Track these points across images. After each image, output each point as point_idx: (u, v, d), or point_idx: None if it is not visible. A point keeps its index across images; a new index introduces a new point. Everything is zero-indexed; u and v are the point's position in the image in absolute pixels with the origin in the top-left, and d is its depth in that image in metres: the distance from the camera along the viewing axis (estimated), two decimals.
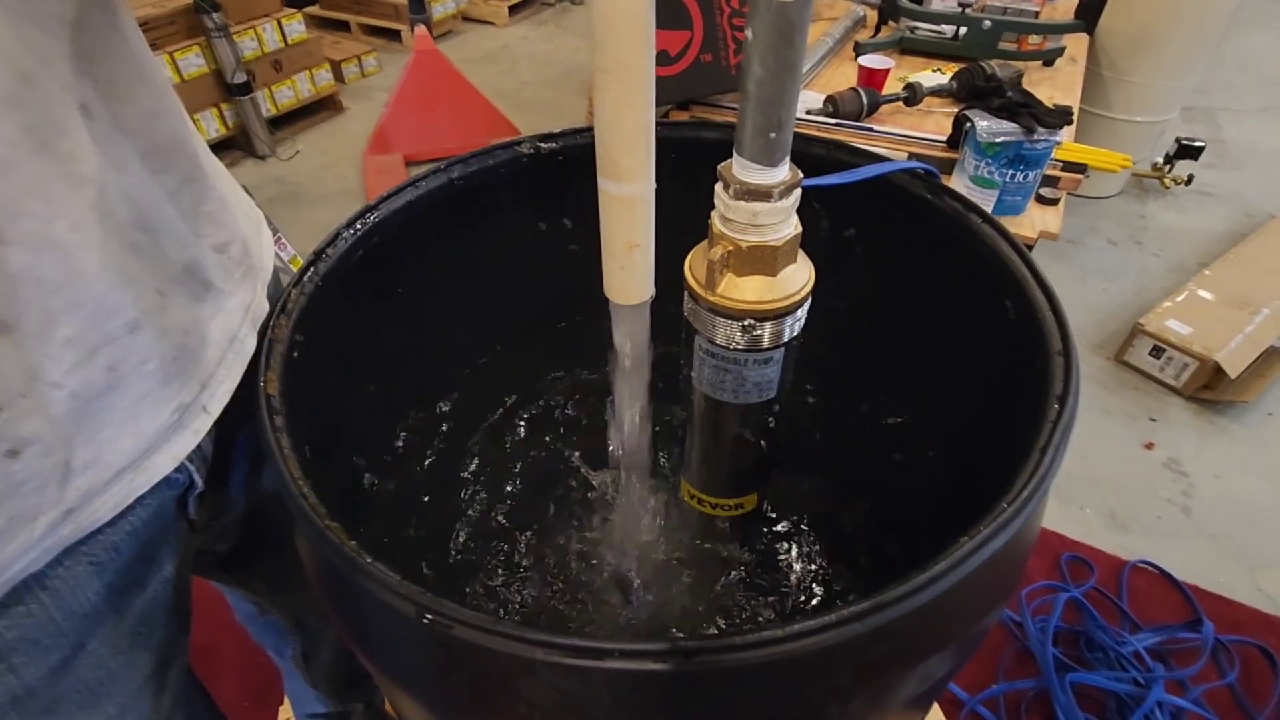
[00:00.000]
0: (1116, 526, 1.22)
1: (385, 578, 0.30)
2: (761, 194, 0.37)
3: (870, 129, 1.28)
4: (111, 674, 0.35)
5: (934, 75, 1.43)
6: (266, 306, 0.42)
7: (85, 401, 0.29)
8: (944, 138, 1.22)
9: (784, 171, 0.38)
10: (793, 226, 0.40)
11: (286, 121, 2.36)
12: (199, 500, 0.39)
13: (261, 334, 0.40)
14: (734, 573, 0.61)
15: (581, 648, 0.28)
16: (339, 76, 2.60)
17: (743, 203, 0.38)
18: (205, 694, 0.48)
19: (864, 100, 1.28)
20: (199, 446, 0.36)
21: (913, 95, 1.32)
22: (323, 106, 2.46)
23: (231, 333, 0.38)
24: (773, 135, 0.36)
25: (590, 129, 0.63)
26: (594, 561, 0.64)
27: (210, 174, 0.37)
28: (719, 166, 0.39)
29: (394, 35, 2.98)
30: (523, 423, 0.71)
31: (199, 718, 0.45)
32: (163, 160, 0.33)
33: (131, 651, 0.36)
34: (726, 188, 0.38)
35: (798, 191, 0.39)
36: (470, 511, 0.68)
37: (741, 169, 0.37)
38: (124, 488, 0.32)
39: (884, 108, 1.32)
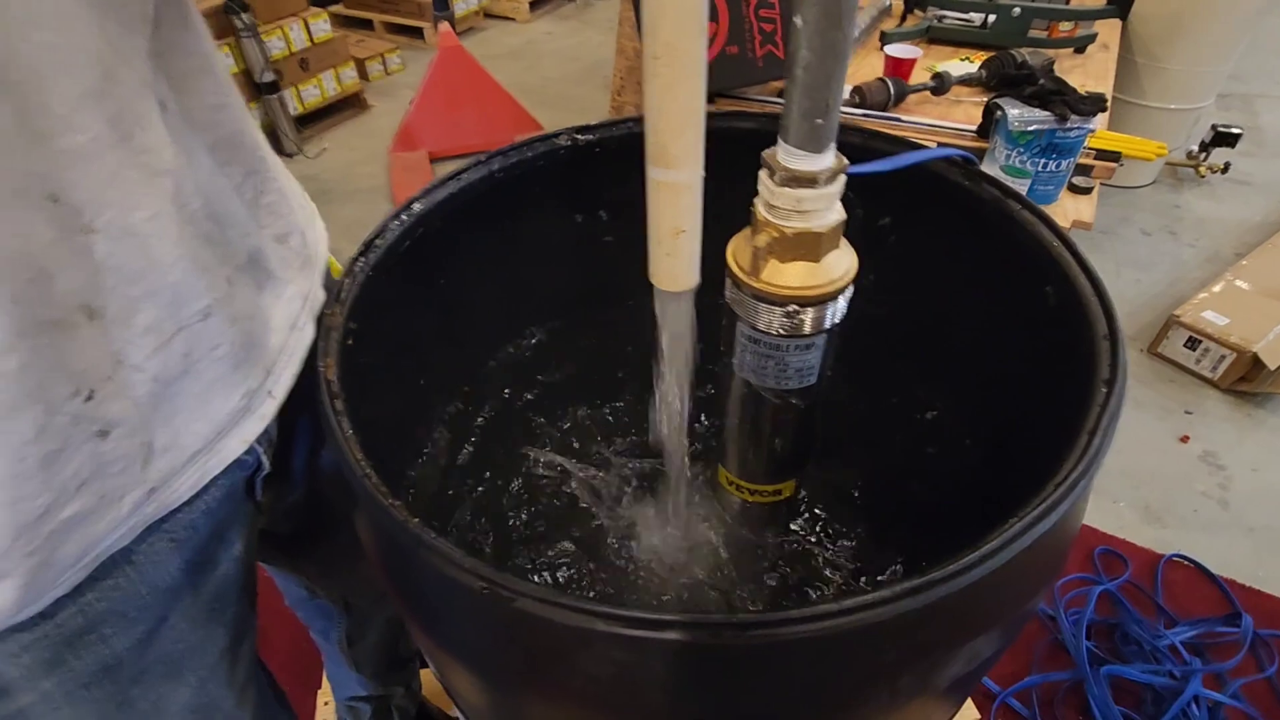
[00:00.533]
0: (1151, 520, 1.21)
1: (449, 552, 0.31)
2: (807, 180, 0.38)
3: (898, 119, 1.27)
4: (191, 647, 0.36)
5: (962, 64, 1.42)
6: (323, 295, 0.43)
7: (164, 385, 0.31)
8: (973, 127, 1.21)
9: (829, 158, 0.38)
10: (837, 212, 0.40)
11: (313, 120, 2.40)
12: (265, 482, 0.40)
13: (319, 321, 0.42)
14: (770, 558, 0.61)
15: (641, 619, 0.28)
16: (363, 75, 2.64)
17: (788, 189, 0.38)
18: (269, 673, 0.49)
19: (891, 90, 1.27)
20: (265, 430, 0.37)
21: (941, 84, 1.31)
22: (348, 105, 2.50)
23: (292, 320, 0.39)
24: (819, 121, 0.36)
25: (626, 120, 0.64)
26: (631, 546, 0.65)
27: (271, 166, 0.38)
28: (764, 153, 0.40)
29: (417, 33, 3.01)
30: (559, 410, 0.72)
31: (265, 694, 0.47)
32: (228, 153, 0.35)
33: (208, 626, 0.38)
34: (771, 174, 0.39)
35: (842, 177, 0.39)
36: (505, 495, 0.69)
37: (787, 155, 0.38)
38: (199, 469, 0.33)
39: (911, 97, 1.31)
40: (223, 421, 0.34)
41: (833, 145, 0.38)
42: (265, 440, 0.39)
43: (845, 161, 0.39)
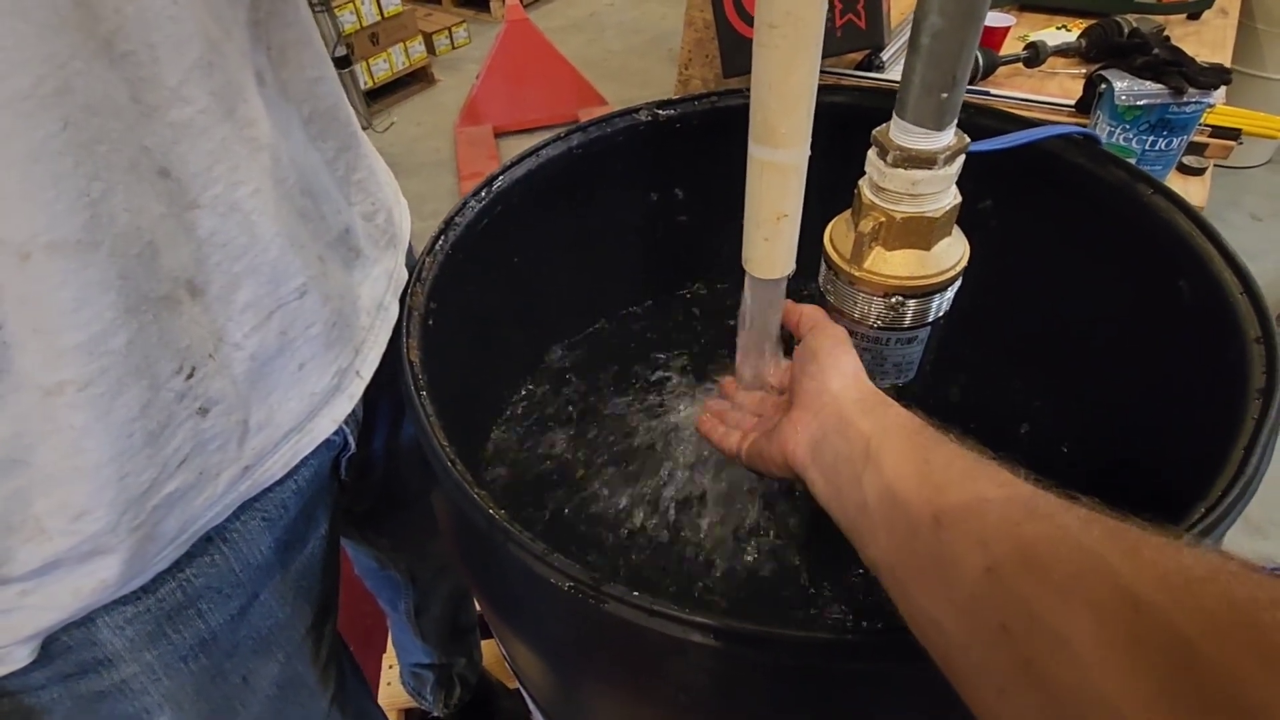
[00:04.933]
0: (1252, 530, 1.12)
1: (536, 549, 0.30)
2: (924, 160, 0.35)
3: (986, 93, 1.19)
4: (280, 624, 0.37)
5: (1059, 33, 1.32)
6: (405, 275, 0.43)
7: (261, 364, 0.31)
8: (1071, 101, 1.12)
9: (950, 135, 0.35)
10: (952, 196, 0.37)
11: (381, 94, 2.43)
12: (350, 461, 0.40)
13: (401, 301, 0.41)
14: (856, 567, 0.59)
15: (740, 632, 0.27)
16: (431, 49, 2.65)
17: (901, 170, 0.35)
18: (349, 650, 0.50)
19: (980, 61, 1.19)
20: (353, 410, 0.37)
21: (1035, 55, 1.22)
22: (415, 79, 2.51)
23: (378, 299, 0.39)
24: (944, 95, 0.33)
25: (710, 95, 0.61)
26: (688, 532, 0.63)
27: (362, 142, 0.38)
28: (874, 131, 0.37)
29: (483, 5, 3.00)
30: (628, 393, 0.71)
31: (345, 671, 0.48)
32: (322, 127, 0.34)
33: (296, 603, 0.38)
34: (883, 154, 0.36)
35: (961, 158, 0.36)
36: (572, 475, 0.69)
37: (902, 133, 0.35)
38: (292, 448, 0.33)
39: (1001, 69, 1.22)
40: (315, 400, 0.34)
41: (954, 122, 0.35)
42: (352, 420, 0.39)
43: (966, 140, 0.36)
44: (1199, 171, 1.05)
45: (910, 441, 0.28)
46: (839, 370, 0.34)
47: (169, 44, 0.24)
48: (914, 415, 0.30)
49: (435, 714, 0.90)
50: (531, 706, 0.56)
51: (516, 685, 0.99)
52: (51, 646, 0.30)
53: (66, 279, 0.23)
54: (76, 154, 0.22)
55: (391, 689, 0.94)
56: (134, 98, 0.23)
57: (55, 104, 0.21)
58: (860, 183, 0.39)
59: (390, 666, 0.99)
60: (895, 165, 0.35)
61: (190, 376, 0.27)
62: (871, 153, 0.37)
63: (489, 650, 0.96)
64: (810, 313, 0.39)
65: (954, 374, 0.63)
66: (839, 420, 0.31)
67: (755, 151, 0.34)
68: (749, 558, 0.56)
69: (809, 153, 0.35)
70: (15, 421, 0.24)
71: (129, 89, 0.23)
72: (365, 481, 0.46)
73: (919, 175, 0.35)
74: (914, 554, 0.24)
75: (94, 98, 0.22)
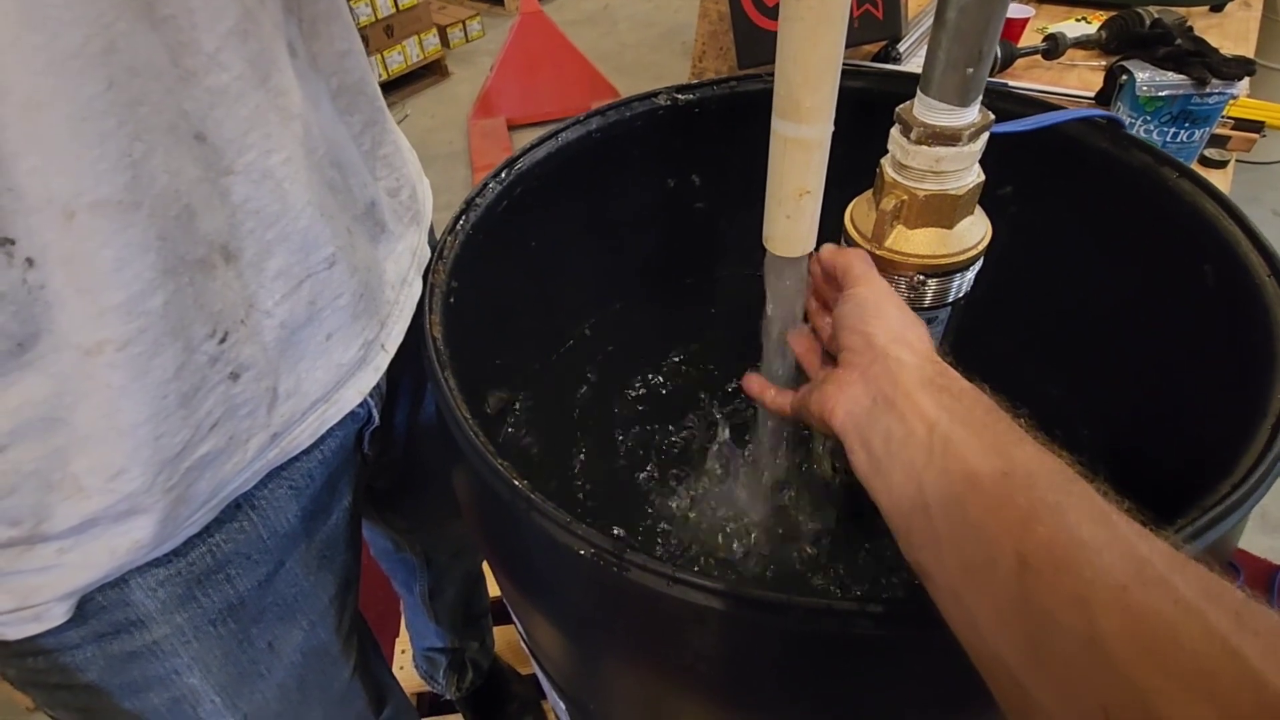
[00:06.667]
0: (1268, 528, 1.11)
1: (560, 517, 0.30)
2: (948, 137, 0.35)
3: (1004, 84, 1.18)
4: (304, 592, 0.38)
5: (1078, 25, 1.31)
6: (428, 252, 0.43)
7: (290, 331, 0.31)
8: (1090, 93, 1.11)
9: (974, 112, 0.35)
10: (976, 174, 0.37)
11: (396, 86, 2.44)
12: (373, 435, 0.41)
13: (424, 278, 0.42)
14: (866, 546, 0.59)
15: (762, 600, 0.27)
16: (445, 41, 2.66)
17: (924, 147, 0.35)
18: (367, 625, 0.51)
19: (998, 53, 1.18)
20: (377, 384, 0.38)
21: (1054, 47, 1.21)
22: (429, 72, 2.52)
23: (402, 274, 0.40)
24: (970, 70, 0.33)
25: (728, 80, 0.61)
26: (707, 520, 0.63)
27: (387, 118, 0.38)
28: (898, 108, 0.37)
29: None
30: (643, 376, 0.71)
31: (365, 643, 0.48)
32: (349, 100, 0.34)
33: (320, 572, 0.39)
34: (906, 131, 0.36)
35: (985, 135, 0.36)
36: (587, 460, 0.69)
37: (926, 110, 0.35)
38: (318, 418, 0.34)
39: (1019, 62, 1.21)
40: (342, 371, 0.35)
41: (979, 98, 0.35)
42: (377, 394, 0.39)
43: (991, 116, 0.35)
44: (1221, 164, 1.03)
45: (983, 439, 0.24)
46: (887, 324, 0.30)
47: (206, 9, 0.24)
48: (980, 391, 0.27)
49: (447, 697, 0.91)
50: (547, 685, 0.57)
51: (528, 671, 1.00)
52: (87, 606, 0.30)
53: (108, 239, 0.23)
54: (120, 114, 0.22)
55: (404, 672, 0.95)
56: (173, 61, 0.24)
57: (101, 63, 0.22)
58: (882, 161, 0.39)
59: (403, 651, 1.00)
60: (919, 142, 0.35)
61: (223, 341, 0.28)
62: (895, 130, 0.37)
63: (502, 636, 0.97)
64: (849, 260, 0.35)
65: (972, 357, 0.63)
66: (892, 388, 0.27)
67: (779, 127, 0.34)
68: (770, 533, 0.56)
69: (832, 128, 0.35)
70: (56, 380, 0.25)
71: (169, 52, 0.24)
72: (386, 457, 0.47)
73: (943, 152, 0.35)
74: (991, 593, 0.21)
75: (137, 59, 0.22)
